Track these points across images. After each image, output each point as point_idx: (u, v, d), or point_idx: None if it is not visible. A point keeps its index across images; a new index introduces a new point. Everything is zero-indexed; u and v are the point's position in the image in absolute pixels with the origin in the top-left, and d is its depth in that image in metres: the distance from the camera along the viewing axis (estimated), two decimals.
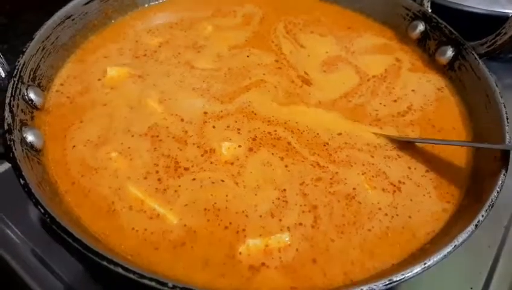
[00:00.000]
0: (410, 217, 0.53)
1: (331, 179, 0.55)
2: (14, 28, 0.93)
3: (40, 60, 0.61)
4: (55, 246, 0.58)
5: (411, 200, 0.54)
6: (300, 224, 0.50)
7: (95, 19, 0.71)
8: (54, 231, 0.42)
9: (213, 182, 0.53)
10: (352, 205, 0.53)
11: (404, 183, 0.56)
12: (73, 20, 0.67)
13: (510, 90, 0.92)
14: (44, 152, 0.54)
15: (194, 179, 0.53)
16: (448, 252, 0.44)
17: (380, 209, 0.53)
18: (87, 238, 0.42)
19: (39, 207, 0.44)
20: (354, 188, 0.54)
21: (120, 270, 0.40)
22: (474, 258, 0.63)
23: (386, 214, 0.53)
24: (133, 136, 0.57)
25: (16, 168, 0.47)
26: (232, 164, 0.55)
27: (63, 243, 0.42)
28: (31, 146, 0.52)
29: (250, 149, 0.57)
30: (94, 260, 0.41)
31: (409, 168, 0.58)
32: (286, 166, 0.56)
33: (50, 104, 0.60)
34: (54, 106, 0.60)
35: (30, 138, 0.52)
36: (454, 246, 0.45)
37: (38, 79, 0.60)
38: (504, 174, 0.51)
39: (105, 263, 0.40)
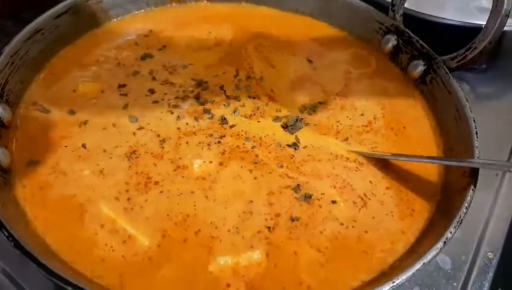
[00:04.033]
0: (366, 232, 0.53)
1: (300, 187, 0.56)
2: None
3: (9, 76, 0.60)
4: (26, 264, 0.56)
5: (373, 217, 0.54)
6: (259, 232, 0.51)
7: (66, 32, 0.69)
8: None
9: (181, 193, 0.54)
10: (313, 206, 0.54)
11: (369, 199, 0.56)
12: (43, 34, 0.66)
13: (483, 99, 0.93)
14: (11, 170, 0.53)
15: (161, 192, 0.54)
16: (417, 270, 0.45)
17: (337, 219, 0.53)
18: (53, 263, 0.42)
19: (3, 230, 0.43)
20: (322, 193, 0.55)
21: None
22: None
23: (342, 224, 0.53)
24: (111, 158, 0.56)
25: None
26: (204, 179, 0.55)
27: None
28: None
29: (221, 164, 0.57)
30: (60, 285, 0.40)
31: (370, 182, 0.58)
32: (255, 178, 0.56)
33: (18, 120, 0.59)
34: (23, 122, 0.59)
35: None
36: (423, 263, 0.45)
37: (6, 95, 0.59)
38: (473, 190, 0.51)
39: (70, 288, 0.40)
